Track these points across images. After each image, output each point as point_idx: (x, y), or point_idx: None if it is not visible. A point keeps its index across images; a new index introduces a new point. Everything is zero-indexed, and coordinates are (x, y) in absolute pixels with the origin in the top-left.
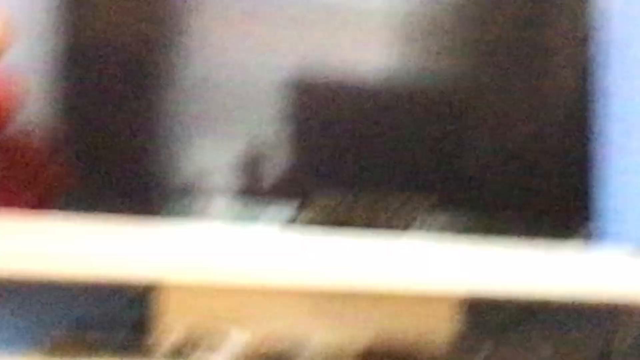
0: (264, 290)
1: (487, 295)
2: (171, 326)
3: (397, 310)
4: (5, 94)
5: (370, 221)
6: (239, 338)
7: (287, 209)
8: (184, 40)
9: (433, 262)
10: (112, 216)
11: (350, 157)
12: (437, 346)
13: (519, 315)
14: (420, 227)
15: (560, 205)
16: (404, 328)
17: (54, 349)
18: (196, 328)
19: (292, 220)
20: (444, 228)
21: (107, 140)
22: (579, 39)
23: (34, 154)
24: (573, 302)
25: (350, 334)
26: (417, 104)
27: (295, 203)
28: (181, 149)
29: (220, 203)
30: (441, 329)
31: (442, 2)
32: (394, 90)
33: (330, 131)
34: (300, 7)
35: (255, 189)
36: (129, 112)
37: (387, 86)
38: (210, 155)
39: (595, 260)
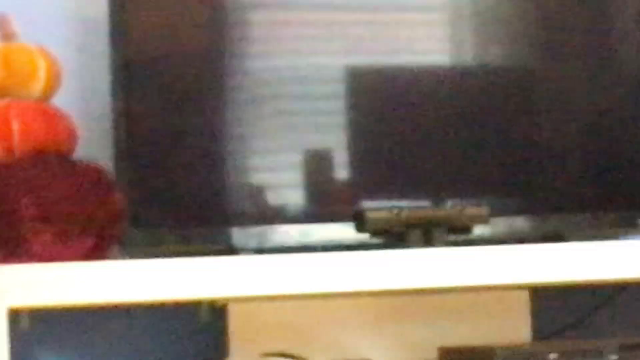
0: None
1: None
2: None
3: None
4: (58, 130)
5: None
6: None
7: (344, 225)
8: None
9: (496, 259)
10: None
11: (406, 164)
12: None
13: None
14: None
15: (625, 199)
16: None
17: None
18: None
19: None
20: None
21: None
22: None
23: (90, 192)
24: None
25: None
26: (475, 100)
27: (352, 218)
28: (240, 170)
29: (280, 228)
30: (512, 327)
31: None
32: (450, 84)
33: (385, 137)
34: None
35: (314, 209)
36: (187, 142)
37: (445, 79)
38: (270, 170)
39: None
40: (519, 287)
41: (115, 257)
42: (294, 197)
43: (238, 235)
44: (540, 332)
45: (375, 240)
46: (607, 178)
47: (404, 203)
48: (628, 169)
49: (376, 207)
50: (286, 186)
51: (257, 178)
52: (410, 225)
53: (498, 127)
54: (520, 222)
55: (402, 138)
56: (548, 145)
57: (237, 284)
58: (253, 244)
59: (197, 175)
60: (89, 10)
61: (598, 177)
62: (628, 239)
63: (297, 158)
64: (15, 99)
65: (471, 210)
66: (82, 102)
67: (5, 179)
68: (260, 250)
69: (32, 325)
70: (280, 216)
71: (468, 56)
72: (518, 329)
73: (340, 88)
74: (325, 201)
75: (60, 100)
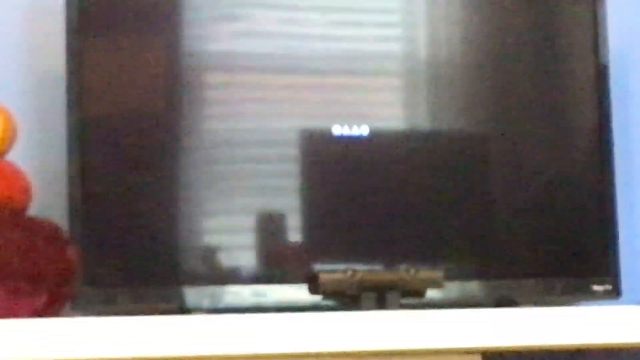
0: None
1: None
2: None
3: None
4: (13, 186)
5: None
6: None
7: (298, 286)
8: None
9: (449, 323)
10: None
11: (360, 227)
12: None
13: None
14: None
15: (579, 265)
16: None
17: None
18: None
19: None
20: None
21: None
22: (595, 84)
23: (44, 249)
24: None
25: None
26: (429, 164)
27: (306, 279)
28: (194, 231)
29: (233, 288)
30: None
31: (454, 55)
32: (405, 149)
33: (339, 200)
34: (318, 67)
35: (267, 270)
36: (144, 199)
37: (399, 144)
38: (223, 232)
39: (615, 315)
40: (472, 352)
41: (67, 315)
42: (247, 258)
43: (191, 295)
44: None
45: (329, 303)
46: (562, 244)
47: (358, 266)
48: (582, 236)
49: (330, 270)
50: (240, 247)
51: (211, 239)
52: (363, 288)
53: (452, 193)
54: (473, 287)
55: (356, 202)
56: (501, 211)
57: (190, 343)
58: (206, 304)
59: (151, 235)
60: (46, 66)
61: (552, 242)
62: (583, 305)
63: (251, 220)
64: None
65: (425, 274)
66: (38, 158)
67: None
68: (213, 311)
69: None
70: (233, 277)
71: (422, 121)
72: None
73: (294, 151)
74: (278, 263)
75: (16, 156)
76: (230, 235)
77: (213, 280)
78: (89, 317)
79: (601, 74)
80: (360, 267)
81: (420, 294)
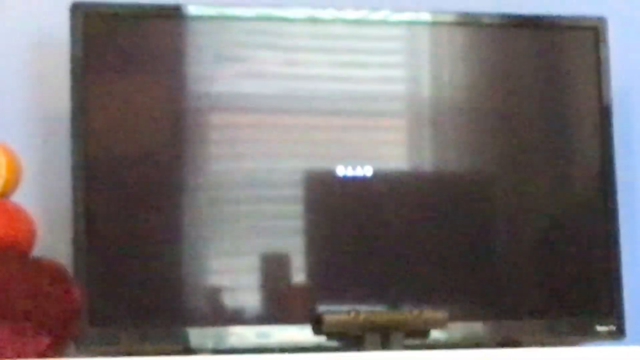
0: None
1: None
2: None
3: None
4: (18, 227)
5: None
6: None
7: (302, 327)
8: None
9: None
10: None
11: (363, 267)
12: None
13: None
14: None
15: (583, 306)
16: None
17: None
18: None
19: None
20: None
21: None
22: (598, 124)
23: (48, 290)
24: None
25: None
26: (433, 205)
27: (310, 320)
28: (198, 271)
29: (237, 329)
30: None
31: (458, 96)
32: (408, 189)
33: (343, 240)
34: (322, 108)
35: (272, 311)
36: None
37: (403, 184)
38: (227, 272)
39: (619, 356)
40: None
41: (71, 355)
42: (251, 299)
43: (195, 335)
44: None
45: (333, 343)
46: (566, 285)
47: (361, 306)
48: (586, 277)
49: (334, 310)
50: (244, 288)
51: (215, 279)
52: (367, 328)
53: (456, 233)
54: (477, 327)
55: (360, 242)
56: (506, 251)
57: None
58: (210, 344)
59: (156, 275)
60: (51, 108)
61: (556, 283)
62: (587, 345)
63: (255, 260)
64: None
65: (429, 314)
66: (42, 199)
67: None
68: (217, 351)
69: None
70: (237, 318)
71: (426, 162)
72: None
73: (298, 192)
74: (282, 303)
75: (21, 197)
76: (235, 276)
77: (217, 321)
78: (93, 358)
79: (604, 115)
80: (364, 308)
81: (424, 334)
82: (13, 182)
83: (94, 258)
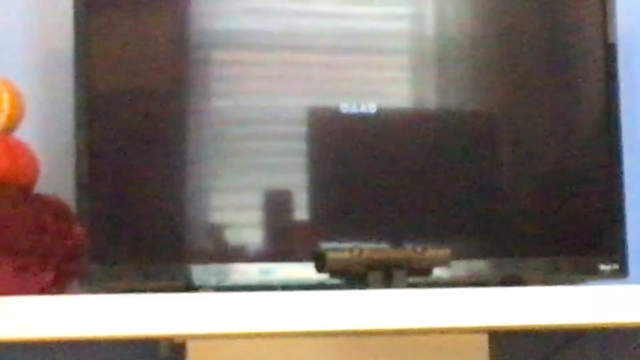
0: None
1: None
2: None
3: (424, 354)
4: (20, 163)
5: (391, 270)
6: None
7: (305, 264)
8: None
9: (456, 301)
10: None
11: (366, 205)
12: None
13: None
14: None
15: (586, 244)
16: None
17: None
18: None
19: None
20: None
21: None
22: (603, 63)
23: (51, 226)
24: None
25: None
26: (437, 143)
27: (313, 258)
28: (201, 208)
29: (240, 266)
30: None
31: (462, 33)
32: (413, 127)
33: (347, 178)
34: (326, 45)
35: (274, 248)
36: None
37: (407, 122)
38: (230, 209)
39: (621, 294)
40: (479, 331)
41: (74, 292)
42: (254, 236)
43: (198, 272)
44: None
45: (335, 281)
46: (569, 223)
47: (364, 244)
48: (590, 215)
49: (336, 248)
50: (247, 225)
51: (218, 216)
52: (370, 266)
53: (459, 171)
54: (480, 265)
55: (363, 180)
56: (509, 189)
57: (196, 321)
58: (213, 281)
59: (158, 213)
60: (53, 43)
61: (560, 222)
62: (590, 284)
63: (257, 197)
64: None
65: (432, 252)
66: (45, 135)
67: None
68: (219, 288)
69: None
70: (240, 255)
71: (430, 99)
72: None
73: (301, 129)
74: (285, 241)
75: (23, 133)
76: (237, 213)
77: (220, 258)
78: (96, 295)
79: (609, 54)
80: (367, 246)
81: (427, 272)
82: (16, 118)
83: (96, 195)
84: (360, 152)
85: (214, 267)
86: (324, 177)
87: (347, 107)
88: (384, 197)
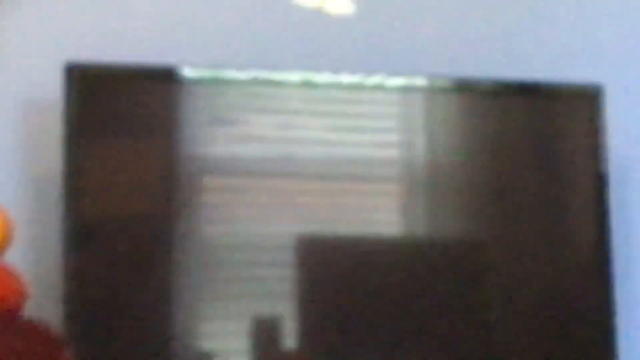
0: None
1: None
2: None
3: None
4: (8, 288)
5: None
6: None
7: None
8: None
9: None
10: None
11: (356, 332)
12: None
13: None
14: None
15: None
16: None
17: None
18: None
19: None
20: None
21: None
22: (594, 192)
23: (39, 351)
24: None
25: None
26: (427, 270)
27: None
28: (189, 334)
29: None
30: None
31: (453, 161)
32: (402, 254)
33: (336, 305)
34: (316, 172)
35: None
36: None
37: (397, 250)
38: (219, 336)
39: None
40: None
41: None
42: None
43: None
44: None
45: None
46: (561, 352)
47: None
48: (582, 345)
49: None
50: (235, 352)
51: (207, 343)
52: None
53: (449, 298)
54: None
55: (353, 307)
56: (501, 318)
57: None
58: None
59: (147, 337)
60: (43, 170)
61: (551, 351)
62: None
63: (246, 324)
64: None
65: None
66: (33, 259)
67: None
68: None
69: None
70: None
71: (420, 227)
72: None
73: (290, 256)
74: None
75: (12, 258)
76: (226, 340)
77: None
78: None
79: (601, 183)
80: None
81: None
82: (4, 242)
83: (84, 320)
84: (349, 280)
85: None
86: (313, 304)
87: (337, 234)
88: (374, 325)
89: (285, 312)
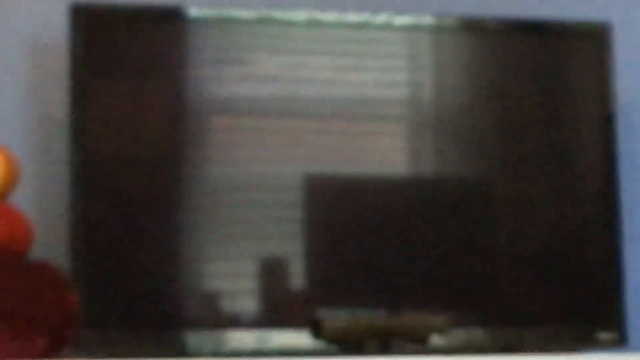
0: None
1: None
2: None
3: None
4: (14, 229)
5: (388, 338)
6: None
7: (300, 332)
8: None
9: None
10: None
11: (363, 272)
12: None
13: None
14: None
15: (585, 313)
16: None
17: None
18: None
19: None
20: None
21: (122, 274)
22: (602, 131)
23: (45, 292)
24: None
25: None
26: (434, 210)
27: (309, 326)
28: (196, 275)
29: (235, 334)
30: None
31: (460, 100)
32: (409, 194)
33: (343, 245)
34: (323, 112)
35: (270, 315)
36: (145, 246)
37: (403, 189)
38: (226, 277)
39: None
40: None
41: (69, 357)
42: (250, 303)
43: (193, 340)
44: None
45: (332, 348)
46: (567, 291)
47: (361, 311)
48: (588, 283)
49: (333, 315)
50: (242, 292)
51: (213, 284)
52: (367, 333)
53: (456, 239)
54: (478, 334)
55: (360, 247)
56: (506, 257)
57: None
58: (208, 349)
59: (154, 279)
60: (49, 110)
61: (558, 290)
62: (589, 352)
63: (253, 265)
64: None
65: (429, 319)
66: (39, 201)
67: None
68: (214, 355)
69: None
70: (235, 322)
71: (427, 167)
72: None
73: (297, 196)
74: (281, 308)
75: (18, 199)
76: (233, 280)
77: (215, 325)
78: None
79: (608, 122)
80: (364, 313)
81: (424, 340)
82: (10, 184)
83: (91, 261)
84: (356, 220)
85: (209, 335)
86: (320, 244)
87: (344, 174)
88: (380, 264)
89: (293, 252)
